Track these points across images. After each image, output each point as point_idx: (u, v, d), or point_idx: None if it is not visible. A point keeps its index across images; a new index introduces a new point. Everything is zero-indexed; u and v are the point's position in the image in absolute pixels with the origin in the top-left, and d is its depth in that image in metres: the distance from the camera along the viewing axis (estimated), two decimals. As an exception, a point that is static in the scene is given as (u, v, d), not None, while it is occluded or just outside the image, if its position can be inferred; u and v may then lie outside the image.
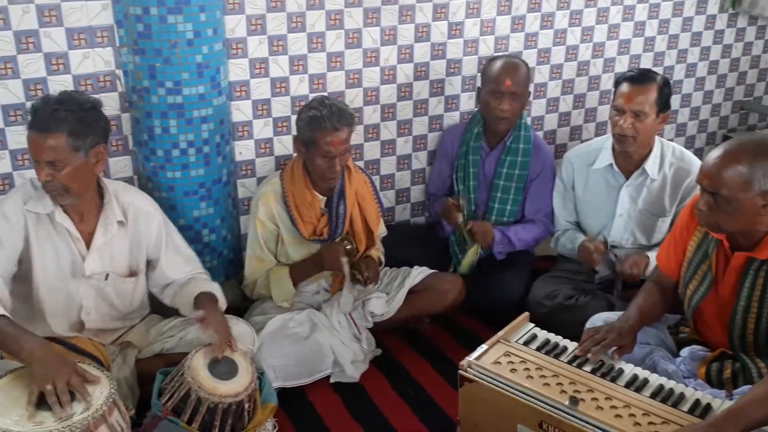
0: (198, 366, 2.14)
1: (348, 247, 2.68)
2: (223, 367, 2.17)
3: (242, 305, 2.89)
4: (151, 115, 2.66)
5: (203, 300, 2.33)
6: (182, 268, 2.49)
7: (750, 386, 1.97)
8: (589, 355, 2.12)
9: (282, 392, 2.48)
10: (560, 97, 3.57)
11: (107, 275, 2.36)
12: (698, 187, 2.08)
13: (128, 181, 2.82)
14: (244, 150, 2.98)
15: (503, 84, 2.89)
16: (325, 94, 2.94)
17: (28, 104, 2.51)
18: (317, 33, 2.93)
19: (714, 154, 2.01)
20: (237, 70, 2.84)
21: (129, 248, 2.40)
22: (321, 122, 2.51)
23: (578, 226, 3.03)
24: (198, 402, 2.06)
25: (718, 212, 2.00)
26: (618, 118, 2.71)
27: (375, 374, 2.69)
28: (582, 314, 2.55)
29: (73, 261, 2.30)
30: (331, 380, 2.64)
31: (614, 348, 2.14)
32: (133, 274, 2.43)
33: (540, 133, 3.55)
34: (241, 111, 2.91)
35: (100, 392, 1.93)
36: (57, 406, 1.84)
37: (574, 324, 2.35)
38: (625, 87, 2.70)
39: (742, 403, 1.84)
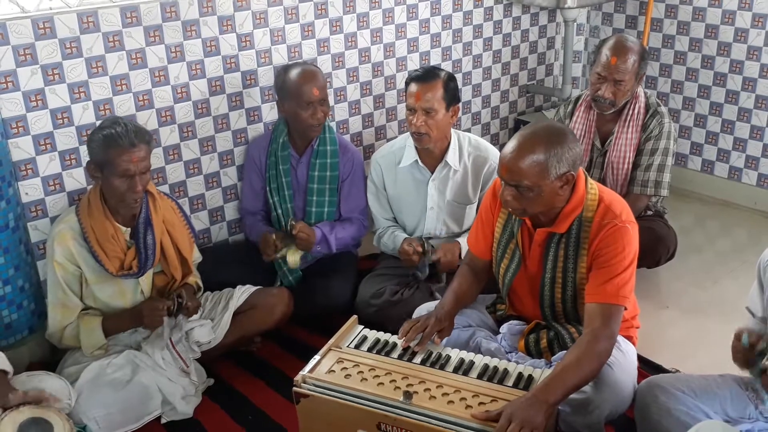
0: (6, 435, 1.95)
1: (171, 308, 2.55)
2: (35, 431, 1.98)
3: (53, 359, 2.66)
4: None
5: None
6: None
7: (564, 352, 2.11)
8: (415, 347, 2.18)
9: (109, 443, 2.31)
10: (360, 99, 3.63)
11: None
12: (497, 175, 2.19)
13: None
14: (30, 190, 2.73)
15: (313, 95, 2.87)
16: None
17: None
18: (96, 57, 2.74)
19: (509, 148, 2.11)
20: (10, 105, 2.60)
21: None
22: (116, 140, 2.37)
23: (397, 222, 3.09)
24: (10, 475, 1.87)
25: (522, 200, 2.12)
26: (411, 117, 2.79)
27: (210, 406, 2.58)
28: (408, 307, 2.61)
29: None
30: (163, 420, 2.49)
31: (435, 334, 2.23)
32: None
33: (347, 137, 3.58)
34: (21, 148, 2.66)
35: None
36: None
37: (403, 318, 2.39)
38: (413, 87, 2.78)
39: (558, 370, 1.96)
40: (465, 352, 2.20)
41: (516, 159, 2.07)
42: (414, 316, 2.43)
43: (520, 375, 2.06)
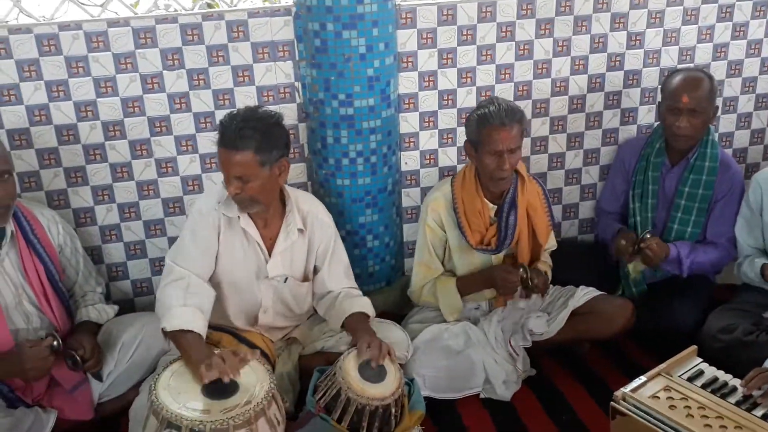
0: (349, 367, 2.21)
1: (523, 276, 2.60)
2: (372, 371, 2.22)
3: (400, 311, 2.95)
4: (324, 125, 2.79)
5: (354, 324, 2.41)
6: (340, 281, 2.57)
7: None
8: (758, 399, 1.95)
9: (430, 402, 2.49)
10: (753, 112, 3.28)
11: (286, 278, 2.50)
12: None
13: (302, 186, 2.98)
14: (409, 160, 3.04)
15: (680, 101, 2.70)
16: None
17: (217, 113, 2.75)
18: (487, 45, 2.92)
19: None
20: (406, 82, 2.90)
21: (306, 254, 2.53)
22: (488, 119, 2.48)
23: (765, 253, 2.76)
24: (347, 402, 2.13)
25: None
26: None
27: (527, 394, 2.63)
28: (763, 353, 2.32)
29: (258, 263, 2.46)
30: (481, 395, 2.61)
31: None
32: (306, 279, 2.56)
33: (728, 151, 3.28)
34: (408, 123, 2.98)
35: (261, 386, 2.04)
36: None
37: (753, 363, 2.15)
38: None
39: None
40: (826, 422, 1.90)
41: None
42: (766, 364, 2.16)
43: None
